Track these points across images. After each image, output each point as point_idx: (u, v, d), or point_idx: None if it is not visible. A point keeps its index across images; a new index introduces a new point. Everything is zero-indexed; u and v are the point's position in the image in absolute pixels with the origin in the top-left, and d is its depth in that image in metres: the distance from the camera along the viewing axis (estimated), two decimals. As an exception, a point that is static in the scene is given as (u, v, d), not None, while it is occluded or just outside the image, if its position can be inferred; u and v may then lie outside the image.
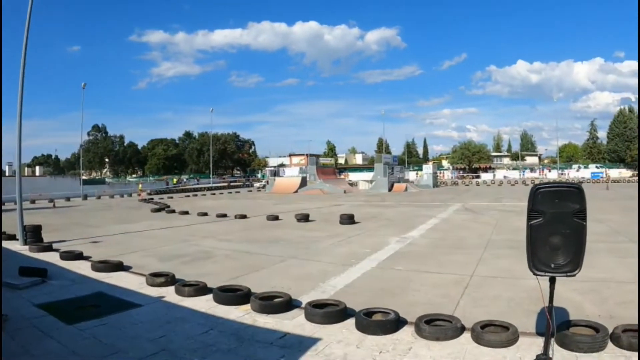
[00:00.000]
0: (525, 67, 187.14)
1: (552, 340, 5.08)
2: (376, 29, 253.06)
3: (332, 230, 15.32)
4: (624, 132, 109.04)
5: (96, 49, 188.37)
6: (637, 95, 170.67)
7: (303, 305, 6.40)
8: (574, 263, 3.78)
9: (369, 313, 5.80)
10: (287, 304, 6.51)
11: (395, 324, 5.60)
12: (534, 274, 3.86)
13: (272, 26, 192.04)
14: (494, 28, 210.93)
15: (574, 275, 3.82)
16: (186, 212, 22.22)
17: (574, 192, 3.78)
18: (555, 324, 4.62)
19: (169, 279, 7.92)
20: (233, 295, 6.88)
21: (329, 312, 5.97)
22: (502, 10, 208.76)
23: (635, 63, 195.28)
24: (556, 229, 3.76)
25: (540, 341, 4.33)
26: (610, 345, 5.08)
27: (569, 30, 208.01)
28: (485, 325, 5.47)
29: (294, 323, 5.95)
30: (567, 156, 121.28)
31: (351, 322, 5.78)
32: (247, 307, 6.57)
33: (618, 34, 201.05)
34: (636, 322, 5.59)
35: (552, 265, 3.79)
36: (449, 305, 6.76)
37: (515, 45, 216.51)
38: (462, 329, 5.50)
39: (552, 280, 3.95)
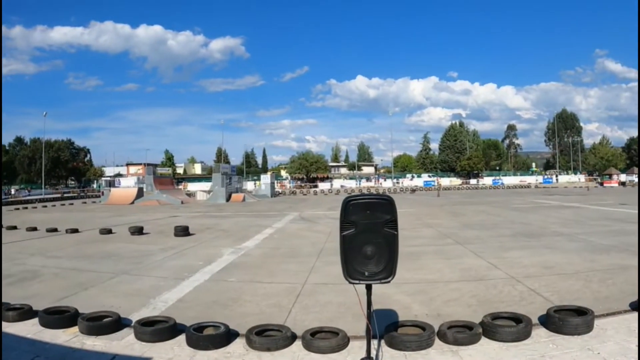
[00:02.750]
0: (365, 82, 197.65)
1: (382, 341, 5.33)
2: (221, 38, 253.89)
3: (166, 243, 14.93)
4: (454, 144, 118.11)
5: None
6: (467, 112, 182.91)
7: (132, 324, 6.13)
8: (387, 270, 3.93)
9: (199, 328, 5.69)
10: (116, 324, 6.15)
11: (226, 337, 5.54)
12: (349, 282, 3.97)
13: (115, 27, 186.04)
14: (336, 43, 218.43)
15: (389, 282, 3.98)
16: (14, 227, 20.53)
17: (385, 203, 3.93)
18: (376, 327, 4.86)
19: (-9, 304, 7.40)
20: (60, 317, 6.37)
21: (158, 329, 5.76)
22: (344, 26, 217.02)
23: (467, 82, 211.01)
24: (368, 238, 3.89)
25: (371, 344, 4.57)
26: (437, 341, 5.41)
27: (407, 49, 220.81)
28: (316, 332, 5.57)
29: (123, 343, 5.66)
30: (402, 166, 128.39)
31: (182, 338, 5.63)
32: (75, 329, 6.12)
33: (452, 56, 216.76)
34: (460, 318, 6.11)
35: (367, 273, 3.92)
36: (281, 315, 6.83)
37: (355, 61, 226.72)
38: (293, 337, 5.56)
39: (369, 288, 4.09)
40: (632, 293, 7.27)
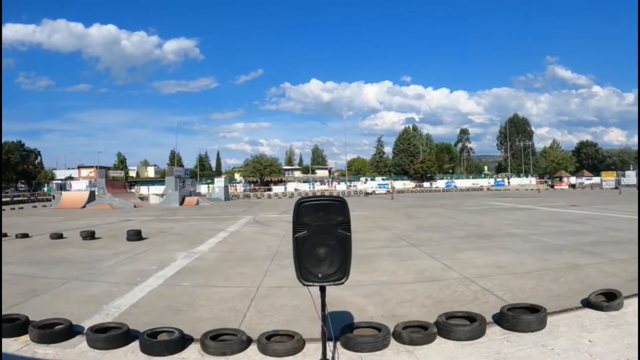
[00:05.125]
0: (319, 86, 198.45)
1: (338, 343, 5.34)
2: (175, 39, 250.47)
3: (118, 247, 14.61)
4: (408, 147, 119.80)
5: None
6: (420, 116, 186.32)
7: (85, 331, 5.97)
8: (341, 272, 3.94)
9: (153, 333, 5.60)
10: (68, 331, 5.98)
11: (180, 342, 5.47)
12: (303, 284, 3.96)
13: (68, 25, 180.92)
14: (291, 47, 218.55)
15: (342, 283, 3.98)
16: (-40, 233, 20.05)
17: (338, 205, 3.93)
18: (332, 329, 4.88)
19: (-60, 315, 7.13)
20: (10, 325, 6.12)
21: (111, 336, 5.63)
22: (299, 29, 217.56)
23: (420, 87, 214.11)
24: (321, 240, 3.89)
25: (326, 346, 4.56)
26: (393, 342, 5.48)
27: (361, 54, 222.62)
28: (271, 335, 5.58)
29: (76, 351, 5.52)
30: (356, 169, 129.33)
31: (136, 344, 5.53)
32: (26, 337, 5.92)
33: (405, 61, 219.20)
34: (415, 318, 6.20)
35: (320, 275, 3.92)
36: (236, 319, 6.79)
37: (309, 65, 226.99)
38: (249, 341, 5.53)
39: (323, 289, 4.10)
40: (583, 290, 7.51)
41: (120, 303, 7.89)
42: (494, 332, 5.79)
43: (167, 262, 11.76)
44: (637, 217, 18.67)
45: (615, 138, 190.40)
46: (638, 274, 8.23)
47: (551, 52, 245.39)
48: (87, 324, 6.41)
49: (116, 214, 32.58)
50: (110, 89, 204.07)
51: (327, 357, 4.45)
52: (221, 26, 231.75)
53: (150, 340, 5.44)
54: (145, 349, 5.39)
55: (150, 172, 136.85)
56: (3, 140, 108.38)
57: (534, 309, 6.07)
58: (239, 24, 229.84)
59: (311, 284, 3.97)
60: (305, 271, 3.95)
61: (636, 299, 6.99)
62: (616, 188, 71.69)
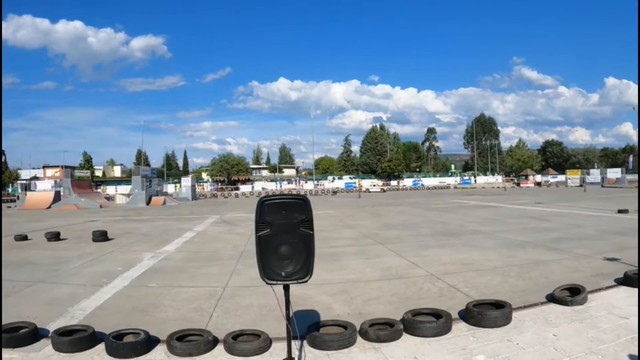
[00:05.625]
0: (287, 85, 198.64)
1: (304, 342, 5.39)
2: (143, 36, 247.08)
3: (84, 248, 14.38)
4: (375, 146, 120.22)
5: None
6: (388, 115, 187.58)
7: (50, 334, 5.85)
8: (304, 270, 3.97)
9: (119, 335, 5.53)
10: (33, 335, 5.88)
11: (146, 344, 5.43)
12: (267, 283, 3.98)
13: (33, 21, 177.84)
14: (259, 45, 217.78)
15: (306, 282, 4.02)
16: None
17: (300, 204, 3.97)
18: (298, 328, 4.92)
19: None
20: None
21: (77, 339, 5.54)
22: (267, 28, 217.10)
23: (388, 86, 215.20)
24: (284, 239, 3.92)
25: (293, 345, 4.57)
26: (359, 339, 5.54)
27: (329, 53, 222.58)
28: (238, 335, 5.59)
29: (41, 355, 5.43)
30: (323, 168, 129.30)
31: (101, 347, 5.48)
32: None
33: (373, 60, 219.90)
34: (382, 316, 6.22)
35: (283, 274, 3.95)
36: (202, 319, 6.78)
37: (277, 63, 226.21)
38: (215, 341, 5.52)
39: (286, 288, 4.12)
40: (548, 286, 7.70)
41: (86, 305, 7.79)
42: (459, 328, 5.88)
43: (133, 262, 11.64)
44: (599, 215, 19.05)
45: (580, 137, 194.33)
46: (638, 266, 8.34)
47: (518, 53, 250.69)
48: (52, 327, 6.32)
49: (82, 215, 32.08)
50: (76, 87, 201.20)
51: (294, 355, 4.48)
52: (189, 24, 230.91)
53: (116, 342, 5.38)
54: (111, 351, 5.34)
55: (117, 172, 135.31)
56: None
57: (499, 305, 6.20)
58: (207, 22, 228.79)
59: (275, 282, 4.00)
60: (269, 270, 3.97)
61: (599, 293, 7.24)
62: (581, 186, 72.78)
